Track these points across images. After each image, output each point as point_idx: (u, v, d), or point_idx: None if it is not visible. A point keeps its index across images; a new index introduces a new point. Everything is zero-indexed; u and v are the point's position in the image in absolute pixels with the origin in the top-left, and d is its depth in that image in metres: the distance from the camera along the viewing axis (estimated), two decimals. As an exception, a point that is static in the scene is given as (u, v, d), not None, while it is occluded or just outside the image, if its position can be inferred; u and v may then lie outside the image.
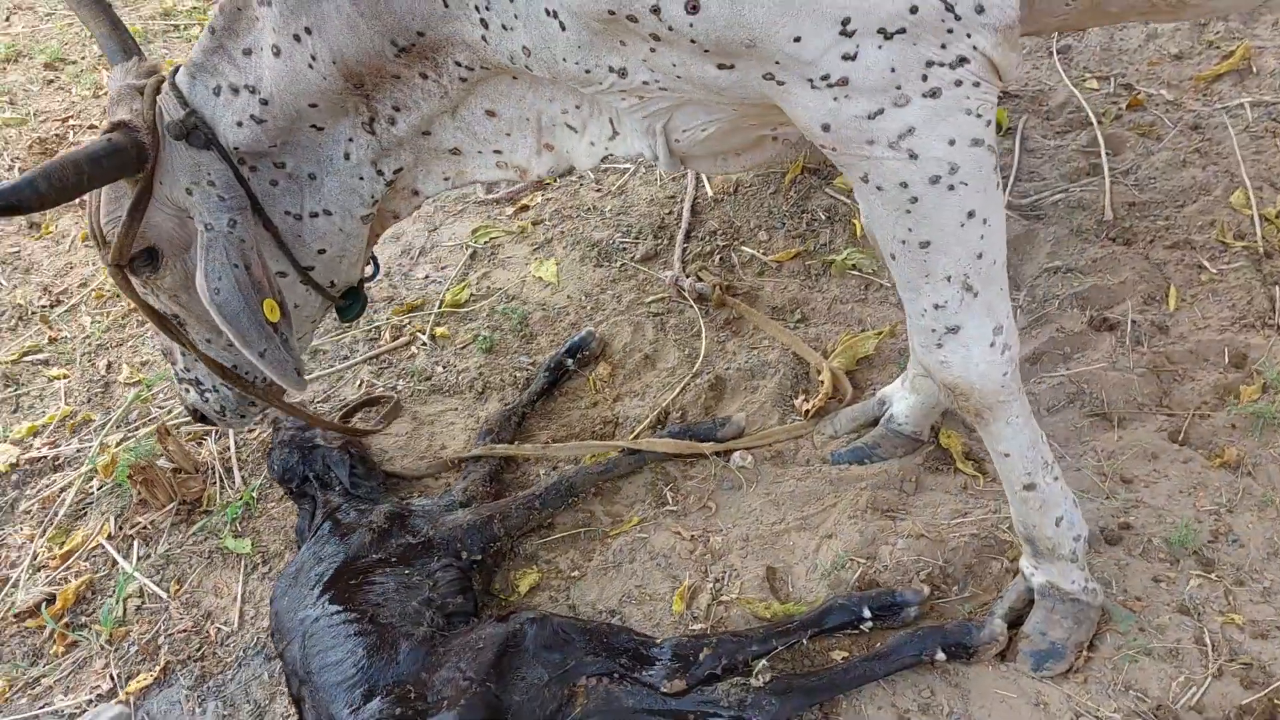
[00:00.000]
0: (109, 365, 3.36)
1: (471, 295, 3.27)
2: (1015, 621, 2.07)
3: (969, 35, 1.54)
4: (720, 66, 1.61)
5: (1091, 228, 2.98)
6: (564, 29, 1.64)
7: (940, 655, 2.00)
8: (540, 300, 3.19)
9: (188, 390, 2.28)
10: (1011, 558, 2.19)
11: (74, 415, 3.18)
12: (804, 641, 2.07)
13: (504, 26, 1.69)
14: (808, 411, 2.60)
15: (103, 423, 3.08)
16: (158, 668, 2.33)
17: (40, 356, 3.47)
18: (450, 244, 3.56)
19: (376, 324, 3.24)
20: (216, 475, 2.76)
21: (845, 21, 1.48)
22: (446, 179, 2.07)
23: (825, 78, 1.53)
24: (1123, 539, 2.20)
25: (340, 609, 2.10)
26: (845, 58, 1.52)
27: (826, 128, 1.60)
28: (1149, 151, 3.23)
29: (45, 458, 3.03)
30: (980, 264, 1.73)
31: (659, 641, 2.04)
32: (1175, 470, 2.30)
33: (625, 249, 3.30)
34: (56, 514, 2.80)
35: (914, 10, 1.49)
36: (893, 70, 1.53)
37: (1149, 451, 2.35)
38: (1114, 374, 2.52)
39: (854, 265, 3.01)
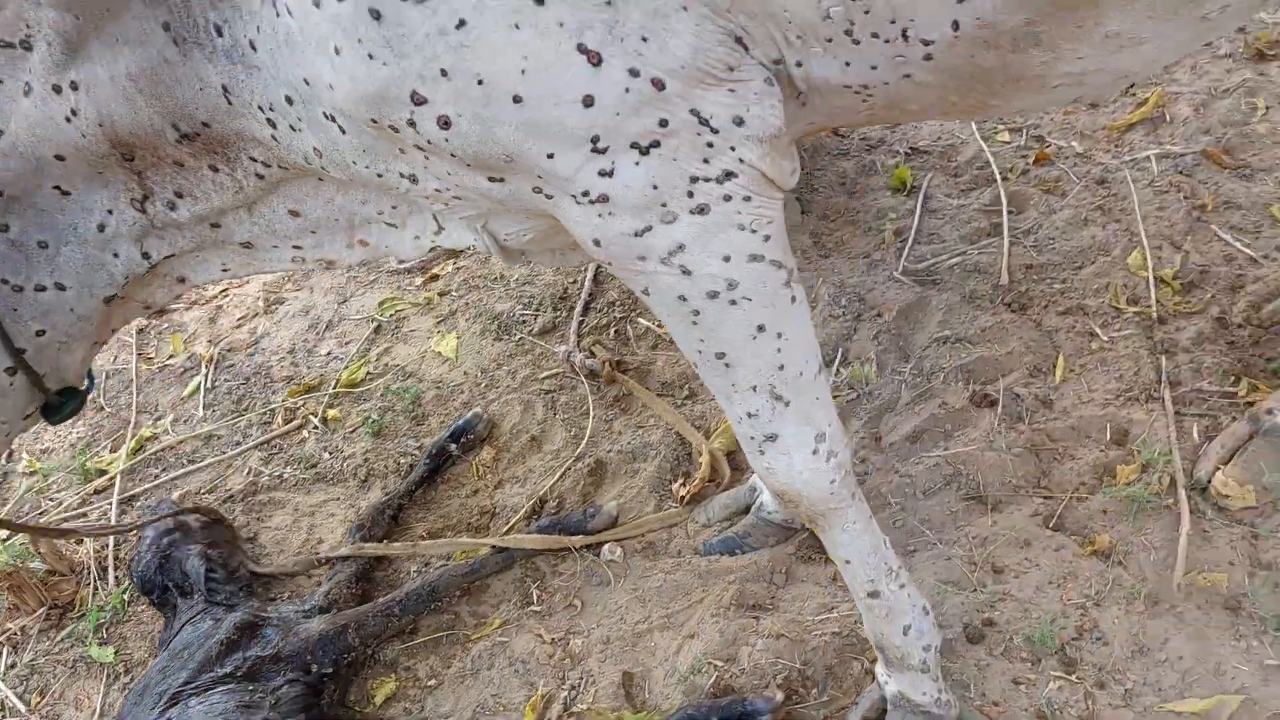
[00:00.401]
0: (9, 454, 3.32)
1: (369, 373, 3.23)
2: (872, 728, 2.01)
3: (732, 149, 1.48)
4: (491, 179, 1.56)
5: (987, 293, 2.92)
6: (344, 133, 1.57)
7: (787, 772, 1.94)
8: (437, 377, 3.15)
9: None
10: (872, 659, 2.12)
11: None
12: (652, 756, 2.01)
13: (291, 128, 1.62)
14: (684, 497, 2.55)
15: (-6, 516, 3.04)
16: (7, 791, 2.28)
17: (-54, 443, 3.44)
18: (357, 317, 3.53)
19: (272, 406, 3.20)
20: (91, 576, 2.71)
21: (594, 139, 1.42)
22: (226, 269, 1.91)
23: (586, 194, 1.48)
24: (985, 637, 2.13)
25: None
26: (602, 174, 1.45)
27: (598, 243, 1.54)
28: (1052, 209, 3.17)
29: (-69, 556, 2.99)
30: (784, 375, 1.68)
31: (498, 762, 1.98)
32: (1046, 559, 2.23)
33: (525, 322, 3.26)
34: (-63, 616, 2.76)
35: (664, 124, 1.42)
36: (654, 187, 1.46)
37: (1022, 538, 2.29)
38: (991, 454, 2.45)
39: (745, 338, 2.96)
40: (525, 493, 2.68)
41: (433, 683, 2.29)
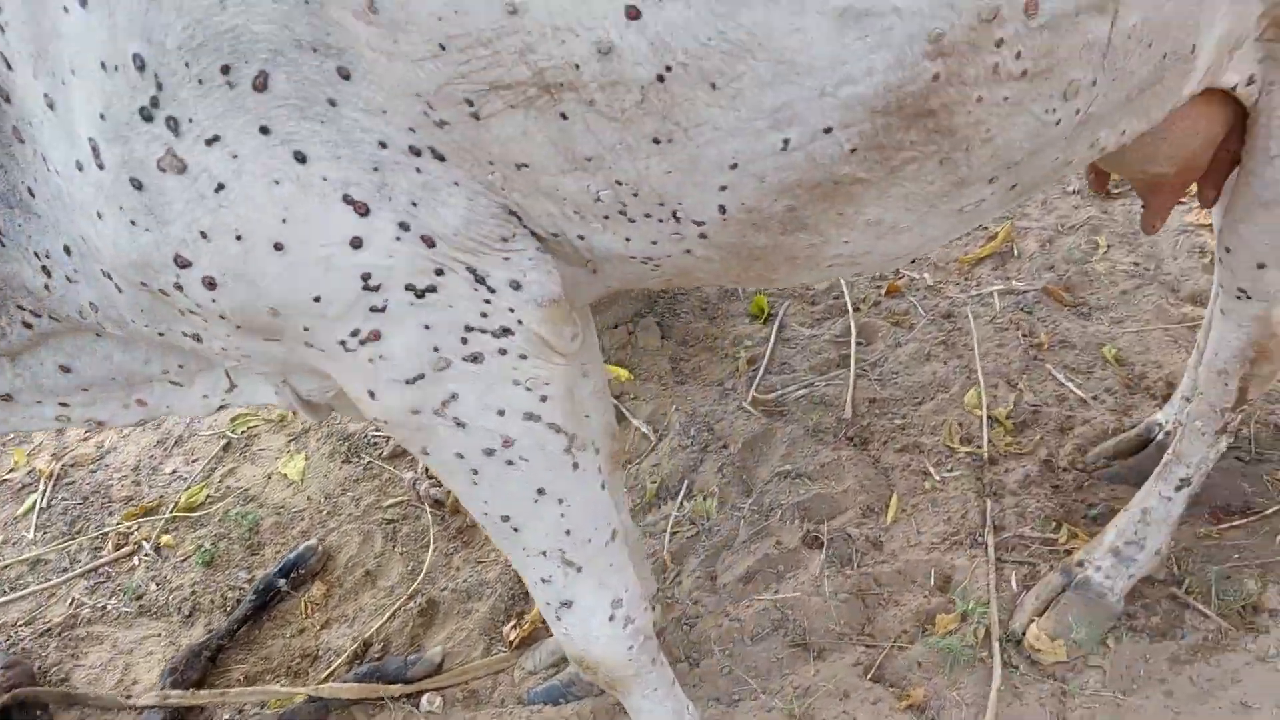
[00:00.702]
0: None
1: (209, 496, 3.14)
2: None
3: (510, 309, 1.48)
4: (267, 339, 1.52)
5: (830, 426, 2.97)
6: (120, 291, 1.53)
7: None
8: (279, 502, 3.07)
9: None
10: (682, 821, 2.08)
11: None
12: None
13: (68, 279, 1.56)
14: (513, 641, 2.50)
15: None
16: None
17: None
18: (208, 433, 3.44)
19: (105, 530, 3.08)
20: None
21: (366, 276, 1.40)
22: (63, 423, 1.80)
23: (356, 333, 1.43)
24: (796, 798, 2.10)
25: None
26: (374, 310, 1.41)
27: (372, 394, 1.49)
28: (898, 342, 3.25)
29: None
30: (572, 540, 1.67)
31: None
32: (863, 713, 2.23)
33: (376, 444, 3.21)
34: None
35: (440, 273, 1.41)
36: (427, 328, 1.44)
37: (842, 689, 2.28)
38: (818, 599, 2.46)
39: (591, 469, 2.95)
40: (352, 634, 2.60)
41: (231, 847, 2.18)
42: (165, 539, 3.00)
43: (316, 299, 1.40)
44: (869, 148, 1.35)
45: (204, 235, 1.33)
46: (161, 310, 1.53)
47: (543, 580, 1.71)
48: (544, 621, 2.49)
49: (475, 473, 1.56)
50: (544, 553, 1.67)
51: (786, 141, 1.32)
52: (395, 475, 3.07)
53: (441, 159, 1.35)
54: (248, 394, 1.79)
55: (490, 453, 1.54)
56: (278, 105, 1.27)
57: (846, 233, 1.51)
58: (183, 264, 1.36)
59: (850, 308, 3.40)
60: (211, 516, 3.06)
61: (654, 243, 1.51)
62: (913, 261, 3.60)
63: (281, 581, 2.71)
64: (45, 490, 3.30)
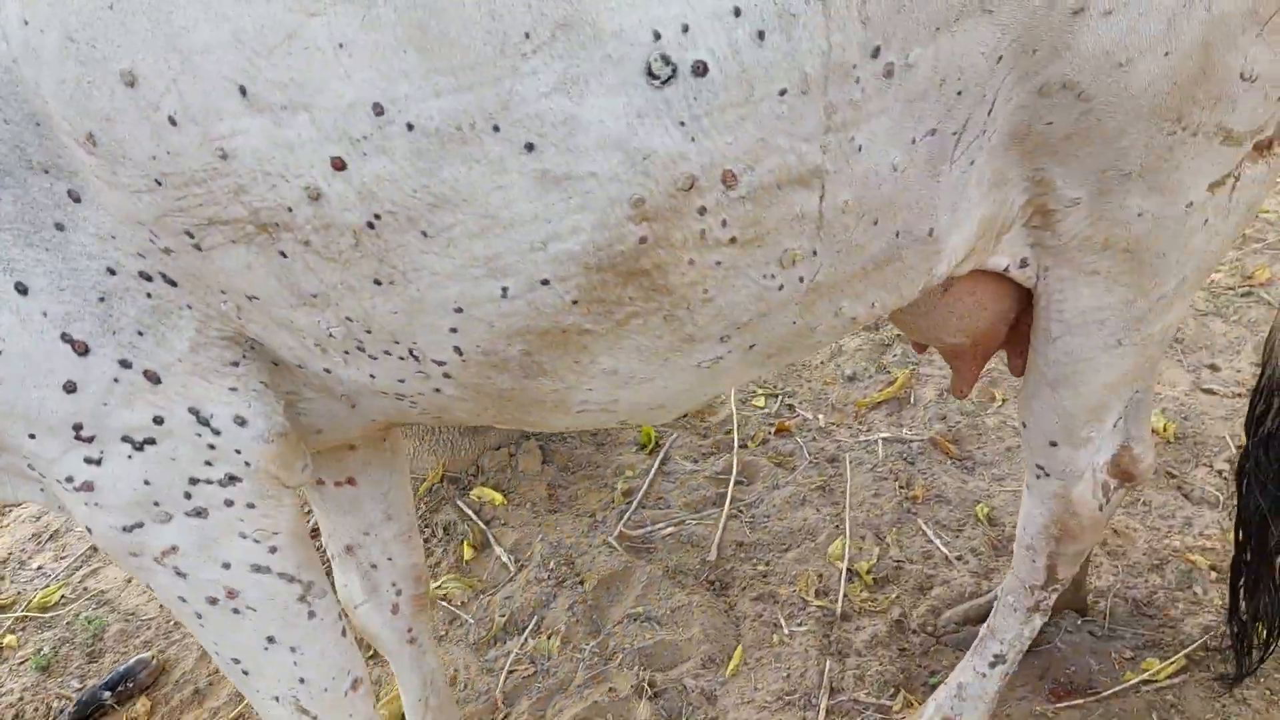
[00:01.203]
0: None
1: (64, 597, 3.09)
2: None
3: (237, 451, 1.46)
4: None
5: (693, 568, 2.92)
6: None
7: None
8: (131, 609, 3.02)
9: None
10: None
11: None
12: None
13: None
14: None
15: None
16: None
17: None
18: (81, 528, 3.40)
19: (-48, 625, 3.03)
20: None
21: (78, 426, 1.38)
22: None
23: (70, 479, 1.41)
24: None
25: None
26: (89, 461, 1.39)
27: (90, 530, 1.47)
28: (777, 484, 3.22)
29: None
30: (307, 688, 1.62)
31: None
32: None
33: (240, 554, 3.16)
34: None
35: (159, 421, 1.40)
36: (147, 483, 1.42)
37: None
38: (638, 755, 2.38)
39: (444, 595, 2.90)
40: (164, 756, 2.52)
41: None
42: (9, 639, 2.94)
43: (32, 436, 1.38)
44: (590, 300, 1.36)
45: None
46: None
47: None
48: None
49: (200, 615, 1.52)
50: (277, 698, 1.62)
51: (505, 289, 1.33)
52: (251, 588, 3.02)
53: (173, 284, 1.35)
54: (8, 492, 1.75)
55: (214, 601, 1.50)
56: (3, 230, 1.28)
57: (587, 380, 1.51)
58: None
59: (736, 444, 3.39)
60: (61, 619, 3.00)
61: (401, 380, 1.50)
62: (792, 407, 3.60)
63: (107, 694, 2.64)
64: (-91, 578, 3.26)
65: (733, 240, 1.33)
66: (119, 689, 2.66)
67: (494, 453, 3.36)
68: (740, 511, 3.13)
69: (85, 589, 3.11)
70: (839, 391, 3.70)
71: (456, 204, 1.25)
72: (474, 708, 2.58)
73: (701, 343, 1.46)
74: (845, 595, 2.77)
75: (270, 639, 1.55)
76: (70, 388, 1.34)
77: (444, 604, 2.88)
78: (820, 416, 3.56)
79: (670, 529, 3.08)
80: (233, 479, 1.45)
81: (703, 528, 3.07)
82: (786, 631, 2.69)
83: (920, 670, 2.54)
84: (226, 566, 1.48)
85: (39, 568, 3.26)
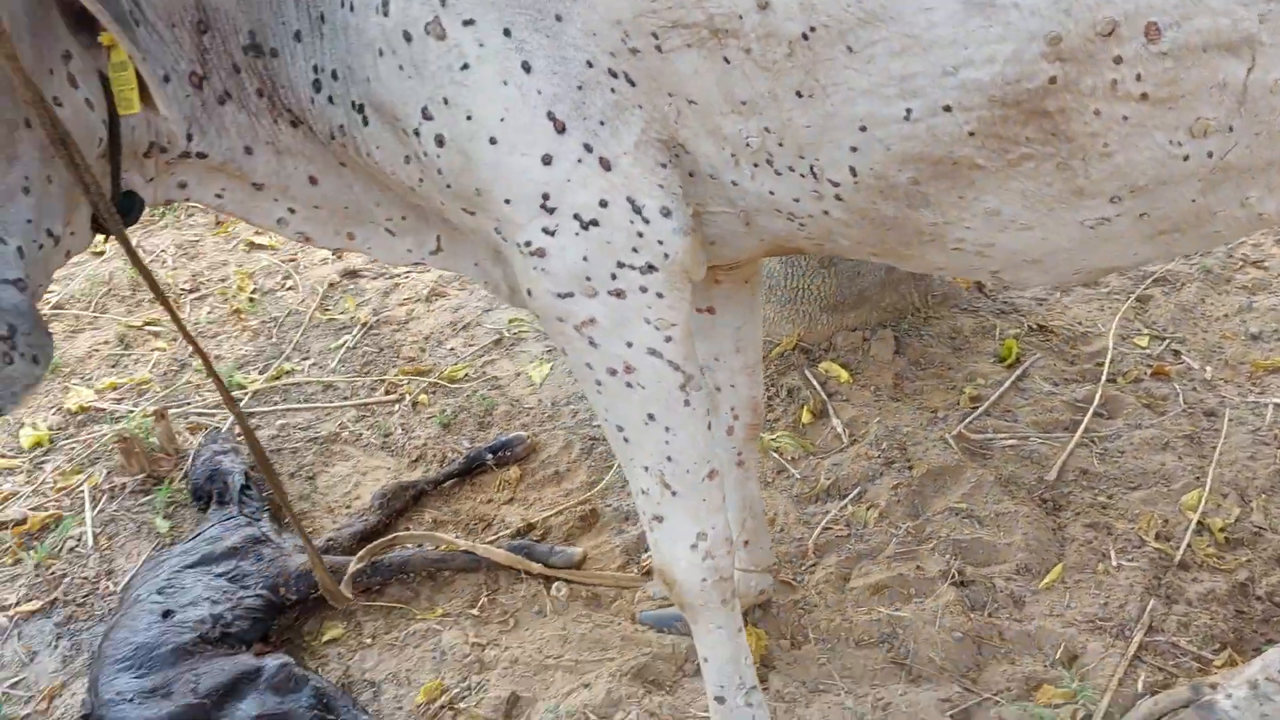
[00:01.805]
0: (192, 354, 4.01)
1: (467, 375, 3.64)
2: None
3: (660, 242, 1.65)
4: (465, 210, 1.73)
5: (1028, 483, 2.89)
6: (366, 124, 1.71)
7: (587, 827, 2.09)
8: (516, 396, 3.50)
9: None
10: (719, 766, 2.22)
11: (147, 383, 3.84)
12: (488, 768, 2.22)
13: (330, 99, 1.72)
14: (646, 569, 2.73)
15: (157, 395, 3.71)
16: (49, 600, 2.83)
17: (156, 329, 4.19)
18: (490, 325, 3.96)
19: (384, 378, 3.68)
20: (184, 464, 3.27)
21: (545, 196, 1.60)
22: (220, 198, 1.88)
23: (528, 244, 1.65)
24: (829, 789, 2.17)
25: (158, 599, 2.49)
26: (545, 231, 1.63)
27: (530, 293, 1.72)
28: (1139, 424, 3.06)
29: (105, 410, 3.69)
30: (673, 467, 1.82)
31: (363, 723, 2.26)
32: (930, 744, 2.24)
33: (609, 373, 3.55)
34: (82, 455, 3.42)
35: (604, 205, 1.61)
36: (585, 259, 1.64)
37: (920, 716, 2.29)
38: (933, 630, 2.46)
39: (776, 448, 3.09)
40: (524, 515, 2.96)
41: (370, 641, 2.61)
42: (423, 398, 3.53)
43: (508, 201, 1.64)
44: (986, 135, 1.42)
45: (445, 101, 1.59)
46: (394, 151, 1.74)
47: (642, 491, 1.89)
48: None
49: (599, 383, 1.78)
50: (646, 468, 1.85)
51: (909, 111, 1.43)
52: (613, 403, 3.39)
53: (633, 84, 1.57)
54: (448, 260, 2.03)
55: (613, 372, 1.74)
56: (519, 11, 1.53)
57: (968, 218, 1.57)
58: (427, 116, 1.62)
59: (1104, 377, 3.25)
60: (462, 391, 3.55)
61: (796, 199, 1.63)
62: (1179, 353, 3.34)
63: (489, 456, 3.13)
64: (358, 334, 3.98)
65: (1144, 96, 1.32)
66: (499, 454, 3.14)
67: (849, 333, 3.46)
68: (1092, 441, 3.02)
69: (484, 373, 3.65)
70: (1237, 348, 3.39)
71: (884, 21, 1.35)
72: (785, 549, 2.77)
73: (1091, 198, 1.46)
74: (1189, 545, 2.62)
75: (650, 416, 1.78)
76: (547, 160, 1.58)
77: (775, 455, 3.08)
78: (1208, 369, 3.30)
79: (1012, 441, 3.04)
80: (651, 268, 1.67)
81: (1047, 448, 3.01)
82: (1114, 563, 2.61)
83: (1255, 636, 2.38)
84: (629, 345, 1.71)
85: (451, 349, 3.85)
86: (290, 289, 4.41)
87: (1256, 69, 1.29)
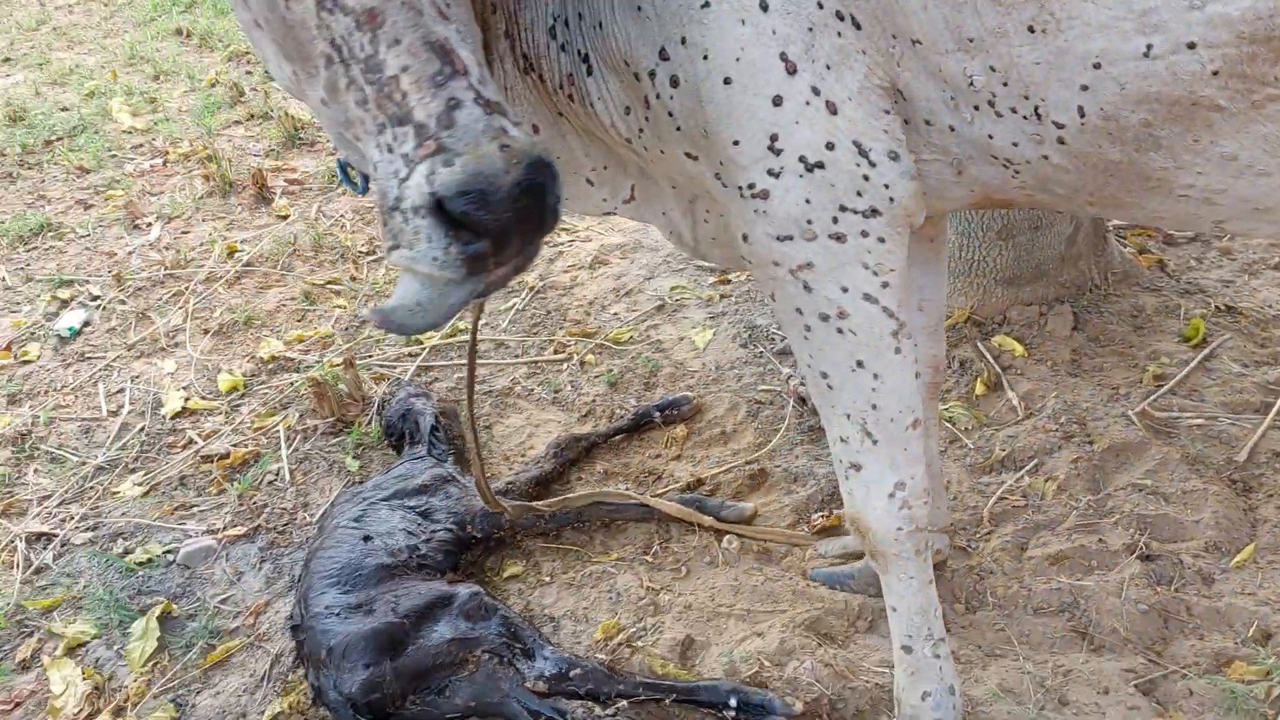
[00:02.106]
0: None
1: (631, 338, 3.73)
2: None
3: (886, 185, 1.64)
4: (687, 154, 1.75)
5: (1216, 463, 2.79)
6: (590, 74, 1.78)
7: (766, 765, 2.14)
8: (680, 359, 3.57)
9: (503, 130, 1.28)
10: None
11: (330, 336, 4.07)
12: (668, 703, 2.29)
13: (562, 48, 1.81)
14: (816, 526, 2.75)
15: (340, 347, 3.93)
16: (252, 527, 3.04)
17: (337, 287, 4.43)
18: (652, 292, 4.04)
19: (552, 338, 3.80)
20: (371, 409, 3.45)
21: (774, 137, 1.60)
22: None
23: (751, 186, 1.66)
24: (1009, 748, 2.16)
25: (355, 525, 2.65)
26: (770, 173, 1.64)
27: (746, 238, 1.74)
28: (1340, 409, 2.92)
29: (294, 359, 3.92)
30: (876, 415, 1.82)
31: (549, 652, 2.36)
32: (1116, 713, 2.19)
33: (772, 339, 3.58)
34: (275, 400, 3.65)
35: (830, 147, 1.61)
36: (807, 202, 1.65)
37: (1104, 685, 2.25)
38: (1117, 601, 2.41)
39: (949, 418, 3.07)
40: (692, 471, 3.02)
41: (548, 579, 2.72)
42: (589, 358, 3.63)
43: (736, 143, 1.65)
44: (1231, 74, 1.37)
45: (683, 41, 1.61)
46: (616, 101, 1.79)
47: (841, 439, 1.89)
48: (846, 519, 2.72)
49: (809, 329, 1.78)
50: (848, 415, 1.85)
51: (1149, 47, 1.38)
52: (776, 368, 3.42)
53: (858, 26, 1.57)
54: (639, 209, 2.07)
55: (825, 318, 1.74)
56: None
57: (1201, 163, 1.51)
58: (663, 57, 1.64)
59: (1304, 361, 3.10)
60: (627, 352, 3.64)
61: (1015, 143, 1.61)
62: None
63: (657, 414, 3.20)
64: (527, 297, 4.12)
65: None
66: (666, 412, 3.21)
67: (1024, 308, 3.40)
68: (1286, 425, 2.89)
69: (648, 337, 3.73)
70: None
71: None
72: (959, 516, 2.75)
73: None
74: (1398, 534, 2.49)
75: (859, 362, 1.77)
76: (777, 101, 1.59)
77: (948, 425, 3.05)
78: None
79: (1199, 421, 2.94)
80: (874, 212, 1.66)
81: (1237, 429, 2.90)
82: (1312, 547, 2.50)
83: None
84: (844, 290, 1.71)
85: (614, 313, 3.94)
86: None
87: None
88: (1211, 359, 3.17)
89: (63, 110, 6.37)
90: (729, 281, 4.00)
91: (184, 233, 4.97)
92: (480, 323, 2.94)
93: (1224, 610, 2.37)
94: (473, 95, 1.25)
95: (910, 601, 2.02)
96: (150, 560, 2.97)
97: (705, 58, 1.60)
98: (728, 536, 2.74)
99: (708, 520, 2.75)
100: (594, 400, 3.41)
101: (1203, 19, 1.34)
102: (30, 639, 2.78)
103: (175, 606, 2.80)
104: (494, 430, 3.36)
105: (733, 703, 2.25)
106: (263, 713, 2.46)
